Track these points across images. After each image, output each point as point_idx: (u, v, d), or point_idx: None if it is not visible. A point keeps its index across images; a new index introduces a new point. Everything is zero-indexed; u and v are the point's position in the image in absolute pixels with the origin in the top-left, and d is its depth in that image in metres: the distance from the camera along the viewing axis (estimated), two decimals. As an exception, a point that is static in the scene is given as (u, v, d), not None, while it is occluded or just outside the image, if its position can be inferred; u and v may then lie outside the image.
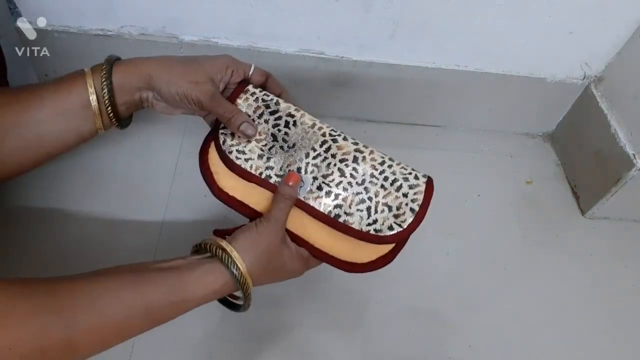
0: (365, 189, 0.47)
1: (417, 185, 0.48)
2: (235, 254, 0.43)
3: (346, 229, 0.47)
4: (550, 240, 0.74)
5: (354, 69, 0.75)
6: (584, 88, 0.80)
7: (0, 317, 0.33)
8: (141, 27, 0.69)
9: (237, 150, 0.49)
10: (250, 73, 0.53)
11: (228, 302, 0.49)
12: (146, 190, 0.69)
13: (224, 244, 0.44)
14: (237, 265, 0.43)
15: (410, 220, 0.47)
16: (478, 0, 0.67)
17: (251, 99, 0.51)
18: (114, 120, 0.49)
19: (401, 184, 0.48)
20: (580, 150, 0.81)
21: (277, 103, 0.51)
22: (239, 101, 0.51)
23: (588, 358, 0.64)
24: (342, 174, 0.48)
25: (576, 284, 0.70)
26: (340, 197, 0.47)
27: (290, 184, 0.47)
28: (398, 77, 0.76)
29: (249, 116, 0.50)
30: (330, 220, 0.47)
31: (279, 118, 0.50)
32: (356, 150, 0.49)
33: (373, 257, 0.49)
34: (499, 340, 0.63)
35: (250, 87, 0.52)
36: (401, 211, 0.47)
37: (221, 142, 0.50)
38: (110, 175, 0.70)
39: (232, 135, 0.50)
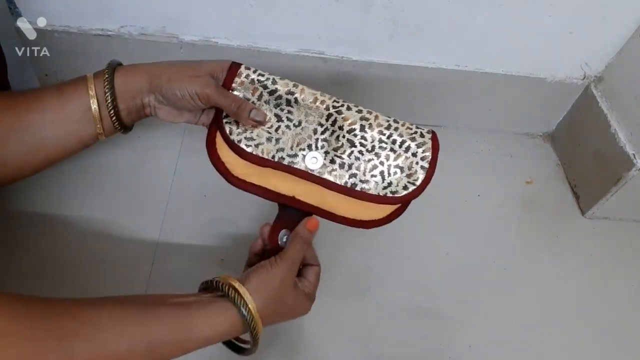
0: (376, 154, 0.49)
1: (424, 143, 0.50)
2: (247, 295, 0.42)
3: (364, 196, 0.49)
4: (550, 240, 0.74)
5: (354, 69, 0.75)
6: (584, 88, 0.80)
7: (7, 341, 0.32)
8: (141, 27, 0.69)
9: (245, 138, 0.49)
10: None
11: (234, 346, 0.47)
12: (146, 190, 0.69)
13: (236, 284, 0.42)
14: (248, 307, 0.41)
15: (422, 177, 0.49)
16: (478, 0, 0.67)
17: (246, 81, 0.50)
18: (116, 124, 0.49)
19: (409, 145, 0.50)
20: (580, 150, 0.81)
21: (274, 82, 0.51)
22: (234, 86, 0.50)
23: (588, 358, 0.64)
24: (352, 144, 0.49)
25: (576, 284, 0.70)
26: (354, 166, 0.49)
27: (309, 228, 0.48)
28: (398, 77, 0.76)
29: (249, 100, 0.49)
30: (347, 190, 0.49)
31: (279, 97, 0.50)
32: (362, 118, 0.50)
33: (389, 212, 0.51)
34: (499, 340, 0.63)
35: (242, 68, 0.51)
36: (413, 170, 0.49)
37: (228, 132, 0.49)
38: (110, 175, 0.70)
39: (237, 123, 0.50)
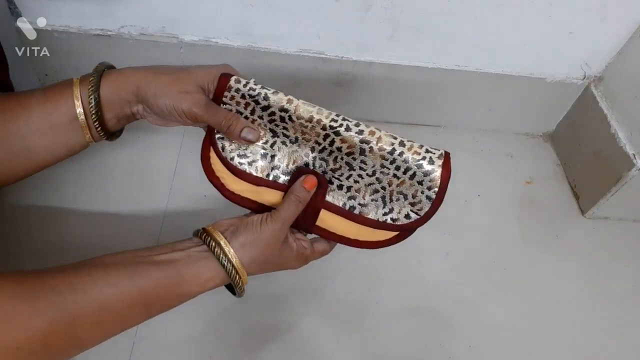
0: (377, 179, 0.46)
1: (431, 172, 0.45)
2: (232, 253, 0.43)
3: (362, 220, 0.47)
4: (550, 240, 0.74)
5: (354, 69, 0.75)
6: (584, 88, 0.80)
7: (7, 319, 0.34)
8: (141, 27, 0.69)
9: (238, 155, 0.47)
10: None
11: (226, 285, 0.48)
12: (146, 190, 0.69)
13: (222, 241, 0.43)
14: (232, 263, 0.43)
15: (427, 208, 0.46)
16: (478, 1, 0.67)
17: (237, 95, 0.47)
18: (102, 134, 0.48)
19: (414, 172, 0.46)
20: (580, 150, 0.81)
21: (265, 97, 0.47)
22: (224, 100, 0.47)
23: (588, 358, 0.64)
24: (351, 167, 0.47)
25: (576, 284, 0.70)
26: (353, 189, 0.47)
27: (307, 187, 0.46)
28: (398, 77, 0.76)
29: (241, 114, 0.47)
30: (345, 213, 0.47)
31: (273, 114, 0.47)
32: (361, 141, 0.46)
33: (390, 236, 0.49)
34: (499, 340, 0.63)
35: (232, 81, 0.47)
36: (417, 199, 0.46)
37: (220, 149, 0.48)
38: (110, 175, 0.70)
39: (230, 140, 0.48)
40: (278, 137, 0.47)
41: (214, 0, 0.66)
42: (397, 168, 0.46)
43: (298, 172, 0.47)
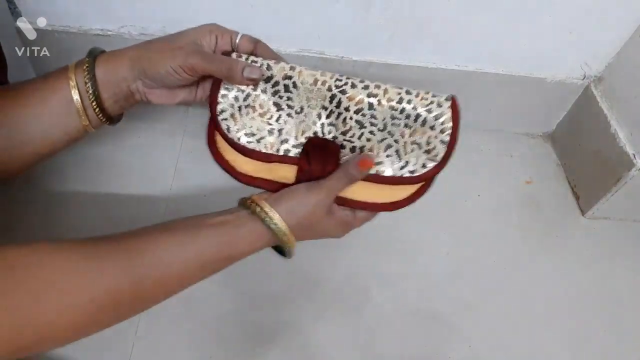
0: (389, 132, 0.45)
1: (442, 114, 0.45)
2: (277, 217, 0.44)
3: (380, 179, 0.45)
4: (550, 240, 0.74)
5: (354, 69, 0.75)
6: (584, 88, 0.80)
7: (79, 276, 0.37)
8: (141, 27, 0.69)
9: (245, 134, 0.46)
10: (238, 40, 0.50)
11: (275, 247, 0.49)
12: (146, 190, 0.69)
13: (266, 207, 0.44)
14: (279, 227, 0.43)
15: (442, 152, 0.45)
16: (478, 1, 0.67)
17: None
18: (100, 116, 0.47)
19: (425, 118, 0.45)
20: (580, 150, 0.81)
21: (268, 67, 0.46)
22: None
23: (588, 358, 0.64)
24: (362, 125, 0.46)
25: (576, 284, 0.70)
26: (366, 148, 0.46)
27: (361, 168, 0.44)
28: (398, 77, 0.76)
29: (243, 92, 0.46)
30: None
31: (277, 84, 0.46)
32: (369, 95, 0.45)
33: (411, 192, 0.47)
34: (499, 340, 0.63)
35: (233, 55, 0.46)
36: (432, 145, 0.45)
37: (225, 130, 0.46)
38: (110, 175, 0.70)
39: (233, 118, 0.46)
40: (283, 109, 0.46)
41: (214, 0, 0.66)
42: (408, 117, 0.45)
43: (308, 143, 0.46)
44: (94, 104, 0.46)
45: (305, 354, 0.59)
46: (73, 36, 0.69)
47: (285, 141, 0.46)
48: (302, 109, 0.46)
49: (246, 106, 0.46)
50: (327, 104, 0.46)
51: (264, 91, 0.46)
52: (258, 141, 0.46)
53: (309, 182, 0.46)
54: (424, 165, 0.45)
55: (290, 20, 0.69)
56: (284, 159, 0.46)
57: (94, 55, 0.47)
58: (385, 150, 0.45)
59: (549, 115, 0.86)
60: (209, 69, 0.45)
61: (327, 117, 0.46)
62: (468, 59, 0.75)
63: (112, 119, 0.50)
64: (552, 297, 0.68)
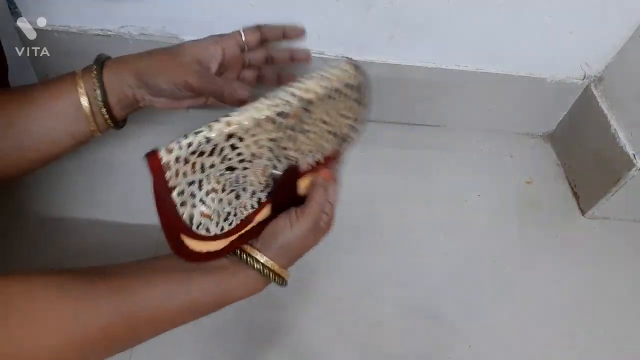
0: (325, 122, 0.47)
1: (346, 71, 0.47)
2: (270, 263, 0.44)
3: (330, 164, 0.49)
4: (550, 240, 0.74)
5: (354, 69, 0.75)
6: (584, 88, 0.80)
7: (73, 317, 0.37)
8: (141, 27, 0.69)
9: (216, 224, 0.43)
10: (244, 38, 0.51)
11: None
12: (146, 191, 0.69)
13: (258, 255, 0.44)
14: (273, 271, 0.44)
15: (364, 115, 0.49)
16: (478, 0, 0.67)
17: (180, 165, 0.40)
18: (109, 120, 0.49)
19: (340, 89, 0.46)
20: (580, 150, 0.81)
21: (207, 140, 0.40)
22: (171, 183, 0.41)
23: (588, 358, 0.64)
24: (305, 131, 0.45)
25: (576, 284, 0.70)
26: (314, 148, 0.48)
27: (328, 180, 0.47)
28: (398, 77, 0.76)
29: (193, 183, 0.41)
30: (316, 168, 0.48)
31: (222, 150, 0.40)
32: (303, 107, 0.43)
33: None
34: (499, 340, 0.63)
35: (162, 155, 0.41)
36: (355, 112, 0.49)
37: (205, 232, 0.42)
38: (110, 175, 0.70)
39: (208, 215, 0.42)
40: (237, 169, 0.42)
41: (214, 0, 0.66)
42: (338, 93, 0.46)
43: (273, 181, 0.46)
44: (102, 110, 0.47)
45: (305, 354, 0.59)
46: (73, 36, 0.69)
47: (255, 193, 0.45)
48: (253, 154, 0.42)
49: (207, 193, 0.42)
50: (272, 135, 0.42)
51: (213, 166, 0.40)
52: (234, 216, 0.44)
53: (288, 211, 0.46)
54: (352, 129, 0.49)
55: (290, 20, 0.69)
56: (260, 208, 0.45)
57: (101, 61, 0.48)
58: (329, 136, 0.47)
59: (549, 115, 0.86)
60: (206, 90, 0.47)
61: (277, 147, 0.44)
62: (468, 59, 0.75)
63: (118, 124, 0.51)
64: (552, 297, 0.68)
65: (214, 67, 0.50)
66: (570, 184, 0.82)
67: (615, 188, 0.72)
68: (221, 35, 0.50)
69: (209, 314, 0.44)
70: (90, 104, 0.47)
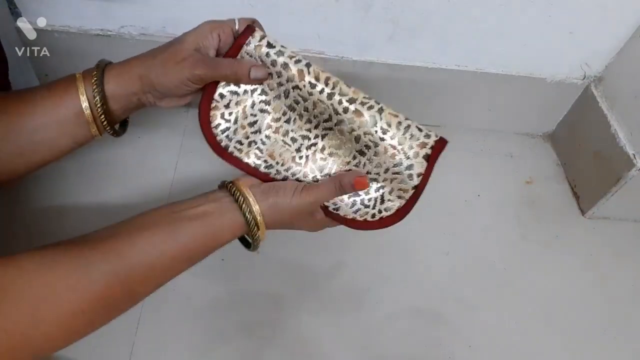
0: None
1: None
2: (258, 211, 0.44)
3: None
4: (550, 240, 0.74)
5: (354, 69, 0.75)
6: (584, 88, 0.80)
7: (70, 290, 0.37)
8: (141, 27, 0.69)
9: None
10: (237, 28, 0.51)
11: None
12: (146, 191, 0.69)
13: (251, 198, 0.44)
14: (256, 220, 0.44)
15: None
16: (478, 1, 0.67)
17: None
18: (108, 128, 0.49)
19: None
20: (580, 150, 0.81)
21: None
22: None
23: (588, 358, 0.64)
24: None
25: (576, 284, 0.70)
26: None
27: (356, 186, 0.46)
28: (398, 77, 0.76)
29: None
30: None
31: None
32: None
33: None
34: (499, 340, 0.63)
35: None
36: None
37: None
38: (110, 175, 0.70)
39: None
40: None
41: (214, 1, 0.66)
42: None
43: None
44: (102, 117, 0.47)
45: (305, 353, 0.59)
46: (73, 36, 0.69)
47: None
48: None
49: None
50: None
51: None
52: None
53: (298, 182, 0.47)
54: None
55: (290, 20, 0.69)
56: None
57: (102, 67, 0.48)
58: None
59: (549, 115, 0.86)
60: (215, 76, 0.47)
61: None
62: (468, 59, 0.75)
63: (117, 132, 0.51)
64: (552, 297, 0.68)
65: (211, 53, 0.49)
66: (570, 184, 0.82)
67: (615, 188, 0.72)
68: (215, 23, 0.50)
69: (205, 257, 0.45)
70: (91, 109, 0.47)
